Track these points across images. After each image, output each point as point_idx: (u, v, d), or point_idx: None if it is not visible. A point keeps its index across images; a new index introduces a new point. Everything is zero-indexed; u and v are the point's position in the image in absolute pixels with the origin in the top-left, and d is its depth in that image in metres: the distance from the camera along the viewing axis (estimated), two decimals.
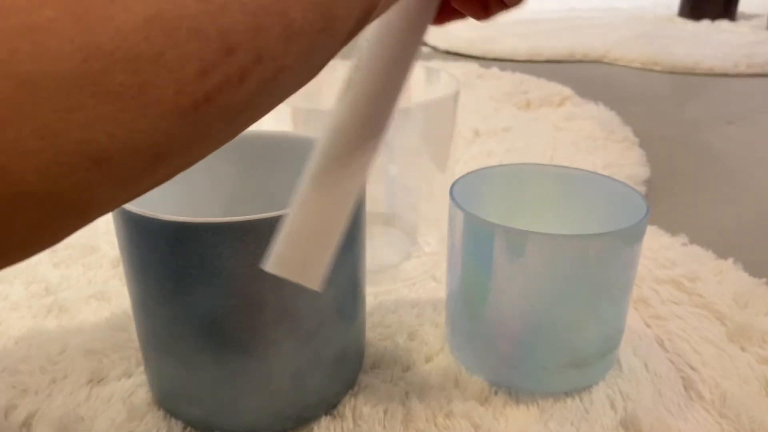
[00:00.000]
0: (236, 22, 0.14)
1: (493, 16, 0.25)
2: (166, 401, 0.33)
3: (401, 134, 0.42)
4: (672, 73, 1.09)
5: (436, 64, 1.11)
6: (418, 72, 0.49)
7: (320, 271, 0.22)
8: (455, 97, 0.43)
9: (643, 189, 0.61)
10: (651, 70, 1.11)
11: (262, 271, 0.27)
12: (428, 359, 0.37)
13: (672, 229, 0.52)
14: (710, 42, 1.25)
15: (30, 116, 0.12)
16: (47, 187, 0.13)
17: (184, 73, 0.13)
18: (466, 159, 0.68)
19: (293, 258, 0.22)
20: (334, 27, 0.16)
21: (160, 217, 0.26)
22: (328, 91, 0.50)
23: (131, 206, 0.27)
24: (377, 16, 0.18)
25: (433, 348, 0.38)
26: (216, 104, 0.14)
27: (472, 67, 1.05)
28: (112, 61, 0.12)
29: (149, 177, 0.15)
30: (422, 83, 0.49)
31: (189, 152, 0.16)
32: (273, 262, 0.22)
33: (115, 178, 0.14)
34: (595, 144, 0.72)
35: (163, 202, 0.34)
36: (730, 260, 0.47)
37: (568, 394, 0.34)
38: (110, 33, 0.12)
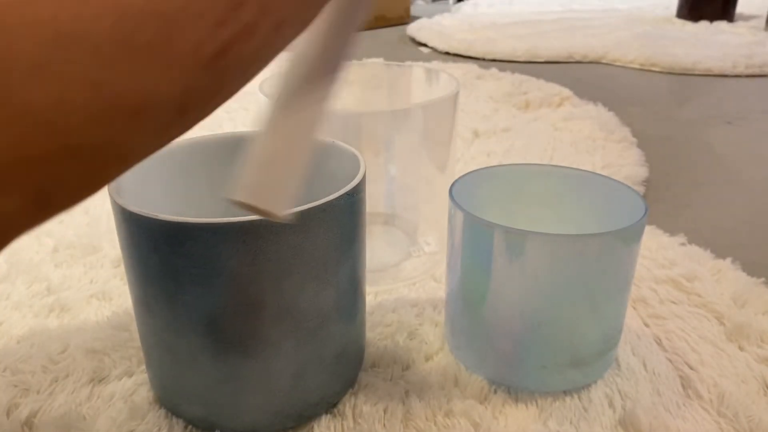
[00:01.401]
0: None
1: None
2: (167, 400, 0.33)
3: (401, 134, 0.42)
4: (670, 73, 1.09)
5: (436, 65, 1.12)
6: (418, 73, 0.49)
7: (287, 198, 0.22)
8: (455, 97, 0.43)
9: (641, 189, 0.61)
10: (649, 71, 1.11)
11: (261, 271, 0.27)
12: (428, 358, 0.37)
13: (670, 228, 0.52)
14: (709, 43, 1.25)
15: (73, 72, 0.13)
16: (91, 138, 0.14)
17: (202, 27, 0.15)
18: (465, 159, 0.69)
19: (258, 184, 0.21)
20: None
21: (160, 217, 0.26)
22: None
23: (132, 206, 0.27)
24: None
25: (433, 347, 0.38)
26: (231, 56, 0.16)
27: (472, 67, 1.06)
28: (141, 19, 0.14)
29: (176, 126, 0.16)
30: (422, 84, 0.49)
31: (209, 102, 0.17)
32: (237, 190, 0.21)
33: (149, 128, 0.15)
34: (594, 144, 0.72)
35: (164, 202, 0.35)
36: (729, 260, 0.47)
37: (567, 392, 0.34)
38: None
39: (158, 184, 0.34)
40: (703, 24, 1.45)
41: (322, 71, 0.22)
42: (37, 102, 0.13)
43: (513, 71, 1.03)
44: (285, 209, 0.21)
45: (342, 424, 0.32)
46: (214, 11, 0.15)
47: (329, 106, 0.23)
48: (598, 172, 0.42)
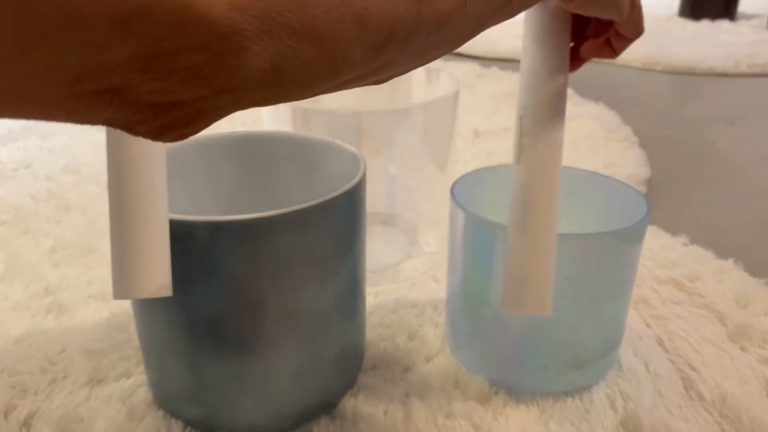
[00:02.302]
0: None
1: (621, 51, 0.30)
2: (166, 401, 0.32)
3: (401, 134, 0.41)
4: (672, 73, 1.09)
5: (437, 64, 1.11)
6: (418, 72, 0.49)
7: (549, 299, 0.28)
8: (455, 97, 0.43)
9: (643, 189, 0.61)
10: (651, 70, 1.11)
11: (261, 271, 0.27)
12: (428, 359, 0.37)
13: (672, 229, 0.52)
14: (710, 42, 1.25)
15: None
16: (325, 27, 0.15)
17: None
18: (466, 159, 0.68)
19: (527, 296, 0.28)
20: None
21: None
22: None
23: None
24: None
25: (433, 348, 0.38)
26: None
27: (473, 67, 1.05)
28: None
29: (382, 50, 0.17)
30: (422, 83, 0.49)
31: (409, 34, 0.17)
32: (513, 304, 0.28)
33: (365, 39, 0.16)
34: (596, 144, 0.72)
35: None
36: (731, 260, 0.47)
37: (568, 394, 0.34)
38: None
39: None
40: (705, 23, 1.45)
41: (546, 192, 0.28)
42: None
43: (514, 70, 1.03)
44: (549, 308, 0.28)
45: (342, 426, 0.32)
46: None
47: (557, 212, 0.29)
48: (600, 171, 0.42)
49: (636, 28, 0.28)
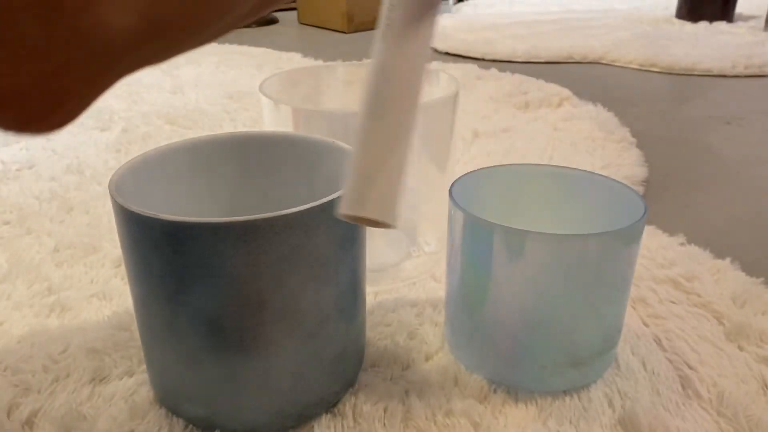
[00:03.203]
0: None
1: None
2: (168, 400, 0.33)
3: None
4: (670, 74, 1.09)
5: (436, 65, 1.12)
6: None
7: (395, 206, 0.23)
8: (455, 98, 0.43)
9: (641, 189, 0.61)
10: (649, 71, 1.11)
11: (262, 271, 0.27)
12: (428, 358, 0.37)
13: (670, 228, 0.52)
14: (708, 43, 1.25)
15: None
16: None
17: None
18: (465, 159, 0.69)
19: (368, 196, 0.22)
20: None
21: (161, 217, 0.26)
22: (328, 92, 0.50)
23: (133, 206, 0.27)
24: None
25: (433, 347, 0.38)
26: None
27: (472, 68, 1.06)
28: None
29: None
30: None
31: None
32: (350, 204, 0.22)
33: None
34: (594, 144, 0.72)
35: (165, 202, 0.35)
36: (728, 260, 0.47)
37: (566, 392, 0.34)
38: None
39: (159, 183, 0.34)
40: (703, 24, 1.45)
41: (409, 74, 0.22)
42: None
43: (513, 71, 1.03)
44: (394, 217, 0.22)
45: (342, 424, 0.32)
46: None
47: (418, 108, 0.23)
48: (598, 172, 0.42)
49: None
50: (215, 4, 0.13)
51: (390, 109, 0.22)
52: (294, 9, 1.76)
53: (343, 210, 0.22)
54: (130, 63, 0.13)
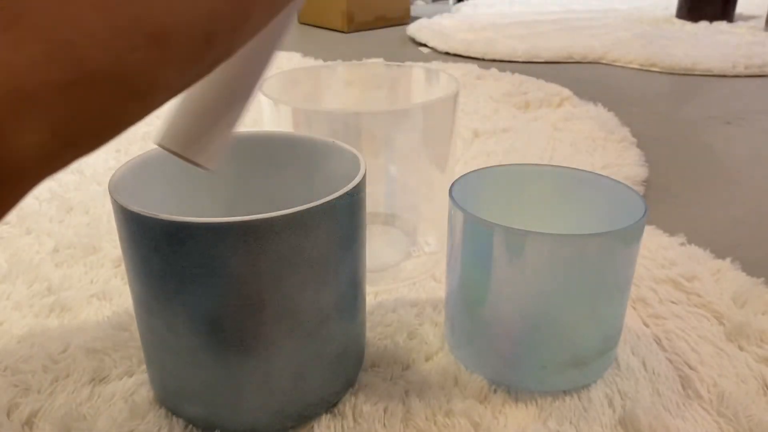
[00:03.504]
0: None
1: None
2: (168, 400, 0.33)
3: (401, 134, 0.42)
4: (670, 73, 1.09)
5: (436, 65, 1.12)
6: (418, 73, 0.49)
7: (212, 148, 0.22)
8: (455, 97, 0.43)
9: (641, 189, 0.61)
10: (649, 71, 1.11)
11: (262, 271, 0.27)
12: (428, 358, 0.37)
13: (670, 228, 0.52)
14: (708, 43, 1.25)
15: None
16: (112, 66, 0.13)
17: None
18: (465, 159, 0.69)
19: (185, 132, 0.21)
20: None
21: (161, 217, 0.26)
22: (328, 92, 0.50)
23: (133, 206, 0.27)
24: None
25: (433, 347, 0.38)
26: None
27: (472, 68, 1.06)
28: None
29: (203, 59, 0.15)
30: (422, 84, 0.49)
31: (236, 32, 0.15)
32: (163, 136, 0.21)
33: (173, 59, 0.14)
34: (594, 144, 0.72)
35: (165, 202, 0.35)
36: (728, 260, 0.47)
37: (566, 392, 0.34)
38: None
39: (159, 183, 0.34)
40: (703, 24, 1.45)
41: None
42: (52, 20, 0.12)
43: (513, 71, 1.03)
44: (208, 158, 0.21)
45: (342, 424, 0.32)
46: None
47: (269, 62, 0.22)
48: (598, 172, 0.42)
49: None
50: (135, 105, 0.13)
51: (232, 63, 0.21)
52: None
53: (157, 140, 0.21)
54: (44, 173, 0.13)
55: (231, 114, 0.22)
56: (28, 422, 0.32)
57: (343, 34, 1.52)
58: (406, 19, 1.65)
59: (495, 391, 0.35)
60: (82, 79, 0.12)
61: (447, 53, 1.26)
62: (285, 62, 1.15)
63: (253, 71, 0.22)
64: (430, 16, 1.63)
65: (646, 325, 0.40)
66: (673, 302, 0.43)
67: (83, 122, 0.13)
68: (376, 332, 0.39)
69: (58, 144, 0.13)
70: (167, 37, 0.13)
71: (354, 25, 1.54)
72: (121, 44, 0.13)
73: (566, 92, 0.91)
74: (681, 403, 0.34)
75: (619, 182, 0.36)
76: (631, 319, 0.41)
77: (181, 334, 0.29)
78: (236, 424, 0.31)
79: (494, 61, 1.19)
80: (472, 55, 1.22)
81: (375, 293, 0.44)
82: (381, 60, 1.18)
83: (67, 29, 0.12)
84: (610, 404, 0.34)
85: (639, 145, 0.72)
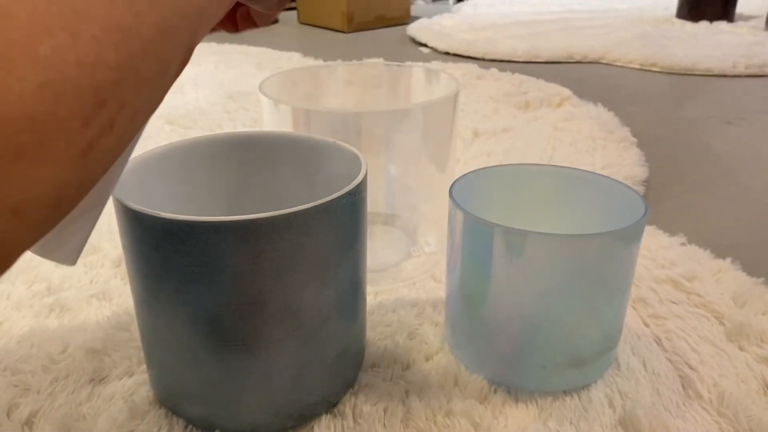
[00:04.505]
0: (104, 79, 0.16)
1: (242, 30, 0.36)
2: (168, 400, 0.33)
3: (401, 134, 0.42)
4: (670, 73, 1.09)
5: (436, 65, 1.12)
6: (418, 73, 0.49)
7: (76, 250, 0.25)
8: (455, 97, 0.43)
9: (641, 189, 0.61)
10: (649, 71, 1.11)
11: (262, 271, 0.27)
12: (428, 358, 0.37)
13: (670, 228, 0.52)
14: (708, 43, 1.25)
15: None
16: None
17: (71, 127, 0.16)
18: (465, 159, 0.69)
19: (50, 240, 0.24)
20: (170, 69, 0.20)
21: (162, 216, 0.26)
22: (328, 92, 0.50)
23: (134, 205, 0.27)
24: (192, 51, 0.22)
25: (433, 347, 0.38)
26: (97, 149, 0.17)
27: (472, 68, 1.06)
28: (17, 125, 0.15)
29: (52, 220, 0.17)
30: (422, 84, 0.49)
31: (80, 193, 0.18)
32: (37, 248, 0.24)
33: (27, 224, 0.16)
34: (594, 144, 0.72)
35: (166, 201, 0.35)
36: (729, 260, 0.47)
37: (567, 392, 0.34)
38: (12, 100, 0.14)
39: (160, 183, 0.34)
40: (703, 24, 1.45)
41: None
42: None
43: (513, 71, 1.03)
44: (66, 258, 0.25)
45: (342, 424, 0.32)
46: (81, 113, 0.16)
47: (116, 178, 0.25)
48: (598, 172, 0.42)
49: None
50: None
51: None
52: (294, 9, 1.76)
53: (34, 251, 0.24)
54: None
55: (85, 219, 0.25)
56: (28, 422, 0.32)
57: (343, 34, 1.52)
58: (406, 19, 1.65)
59: (495, 391, 0.35)
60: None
61: (447, 53, 1.26)
62: (285, 62, 1.15)
63: (104, 191, 0.25)
64: (430, 16, 1.63)
65: (646, 325, 0.40)
66: (673, 302, 0.43)
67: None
68: (376, 332, 0.39)
69: None
70: (25, 209, 0.15)
71: (354, 25, 1.54)
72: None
73: (566, 92, 0.91)
74: (681, 403, 0.34)
75: (619, 182, 0.36)
76: (631, 319, 0.41)
77: (181, 334, 0.29)
78: (236, 424, 0.31)
79: (494, 61, 1.19)
80: (472, 55, 1.22)
81: (375, 293, 0.44)
82: (381, 60, 1.18)
83: None
84: (610, 404, 0.34)
85: (639, 145, 0.72)
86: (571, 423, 0.32)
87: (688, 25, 1.46)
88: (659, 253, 0.48)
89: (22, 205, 0.15)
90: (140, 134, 0.24)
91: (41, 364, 0.36)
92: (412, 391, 0.34)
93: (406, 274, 0.45)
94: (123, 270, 0.47)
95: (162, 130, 0.78)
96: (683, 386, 0.35)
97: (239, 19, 0.36)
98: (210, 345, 0.29)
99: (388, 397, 0.34)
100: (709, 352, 0.38)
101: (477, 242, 0.33)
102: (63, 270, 0.46)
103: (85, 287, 0.44)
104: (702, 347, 0.38)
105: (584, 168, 0.39)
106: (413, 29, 1.43)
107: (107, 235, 0.51)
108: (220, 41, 1.36)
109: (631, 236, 0.32)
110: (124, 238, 0.29)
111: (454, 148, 0.46)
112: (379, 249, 0.47)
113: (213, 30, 0.30)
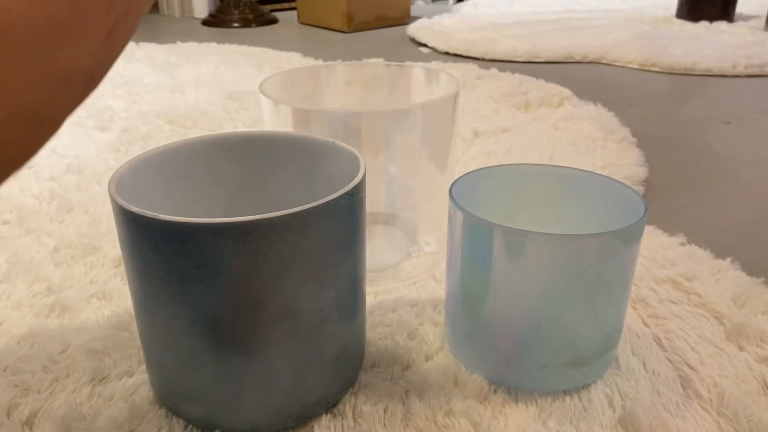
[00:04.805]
0: None
1: None
2: (168, 400, 0.33)
3: (401, 134, 0.42)
4: (670, 73, 1.09)
5: (436, 65, 1.12)
6: (418, 73, 0.49)
7: None
8: (455, 97, 0.43)
9: (641, 189, 0.61)
10: (649, 71, 1.11)
11: (262, 271, 0.27)
12: (428, 358, 0.37)
13: (670, 228, 0.52)
14: (708, 43, 1.25)
15: (13, 49, 0.17)
16: (31, 101, 0.18)
17: (98, 12, 0.19)
18: (465, 159, 0.69)
19: None
20: None
21: (161, 218, 0.26)
22: (328, 92, 0.50)
23: (133, 206, 0.27)
24: None
25: (433, 347, 0.38)
26: (117, 33, 0.20)
27: (472, 68, 1.06)
28: (63, 5, 0.18)
29: (88, 90, 0.20)
30: (422, 84, 0.49)
31: (106, 69, 0.21)
32: None
33: (72, 94, 0.19)
34: (594, 144, 0.72)
35: (165, 202, 0.35)
36: (728, 260, 0.47)
37: (566, 392, 0.34)
38: None
39: (159, 184, 0.34)
40: (703, 24, 1.45)
41: None
42: None
43: (513, 71, 1.03)
44: None
45: (342, 424, 0.32)
46: (105, 1, 0.19)
47: None
48: (598, 172, 0.42)
49: None
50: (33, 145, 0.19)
51: None
52: (294, 9, 1.76)
53: None
54: None
55: None
56: (28, 422, 0.32)
57: (343, 34, 1.52)
58: (406, 19, 1.65)
59: (495, 391, 0.35)
60: (11, 115, 0.18)
61: (447, 53, 1.26)
62: (285, 62, 1.15)
63: None
64: (430, 16, 1.63)
65: (646, 325, 0.40)
66: (673, 302, 0.43)
67: (10, 149, 0.18)
68: (376, 332, 0.39)
69: None
70: (69, 77, 0.19)
71: (354, 25, 1.54)
72: (38, 85, 0.18)
73: (566, 92, 0.91)
74: (681, 403, 0.34)
75: (619, 182, 0.36)
76: (631, 319, 0.41)
77: (180, 335, 0.29)
78: (236, 424, 0.31)
79: (494, 61, 1.19)
80: (472, 55, 1.22)
81: (375, 293, 0.44)
82: (381, 60, 1.18)
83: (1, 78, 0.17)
84: (610, 404, 0.34)
85: (639, 145, 0.72)
86: (571, 423, 0.32)
87: (688, 25, 1.46)
88: (659, 253, 0.48)
89: (69, 73, 0.18)
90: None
91: (41, 364, 0.36)
92: (412, 391, 0.34)
93: (406, 274, 0.45)
94: (123, 270, 0.47)
95: (162, 130, 0.78)
96: (683, 386, 0.35)
97: None
98: (209, 346, 0.29)
99: (388, 397, 0.34)
100: (708, 352, 0.38)
101: (477, 242, 0.33)
102: (63, 270, 0.46)
103: (85, 287, 0.44)
104: (702, 347, 0.38)
105: (584, 168, 0.39)
106: (413, 29, 1.43)
107: (107, 235, 0.51)
108: (220, 41, 1.36)
109: (631, 236, 0.32)
110: (123, 239, 0.29)
111: (454, 148, 0.46)
112: (378, 249, 0.47)
113: None
